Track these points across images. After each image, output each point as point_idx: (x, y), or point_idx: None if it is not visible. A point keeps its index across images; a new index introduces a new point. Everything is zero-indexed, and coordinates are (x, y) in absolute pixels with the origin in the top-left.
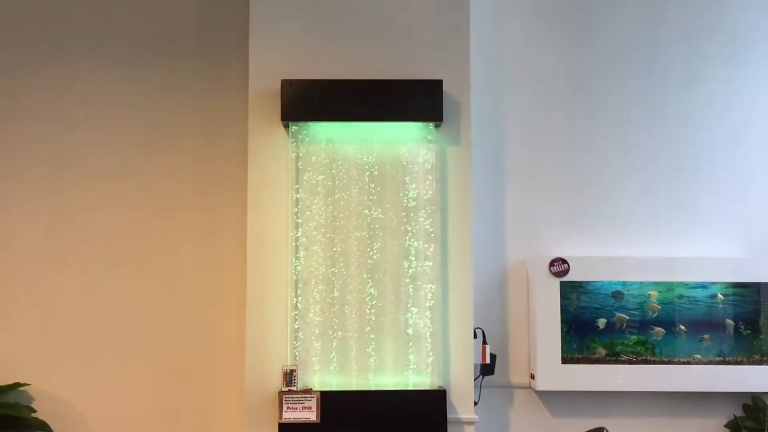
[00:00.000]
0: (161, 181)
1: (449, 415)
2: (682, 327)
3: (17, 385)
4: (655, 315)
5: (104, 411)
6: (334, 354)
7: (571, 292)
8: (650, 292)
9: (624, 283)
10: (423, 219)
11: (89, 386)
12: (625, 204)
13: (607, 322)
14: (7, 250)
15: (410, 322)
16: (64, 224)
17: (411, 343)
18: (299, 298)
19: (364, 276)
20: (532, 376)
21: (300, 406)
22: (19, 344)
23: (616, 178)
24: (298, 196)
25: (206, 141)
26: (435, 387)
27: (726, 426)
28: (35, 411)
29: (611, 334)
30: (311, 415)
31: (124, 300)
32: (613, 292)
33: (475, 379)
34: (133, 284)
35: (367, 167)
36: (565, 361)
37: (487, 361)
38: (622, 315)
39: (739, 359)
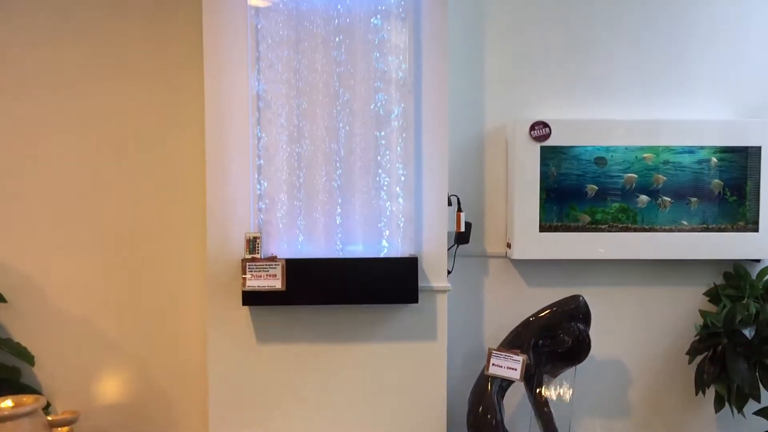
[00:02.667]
0: (112, 40)
1: (421, 284)
2: (666, 198)
3: None
4: (660, 186)
5: (62, 282)
6: (300, 221)
7: (552, 157)
8: (645, 155)
9: (607, 149)
10: (395, 76)
11: (45, 258)
12: (612, 64)
13: (597, 189)
14: None
15: (381, 189)
16: (9, 89)
17: (382, 210)
18: (262, 161)
19: (332, 139)
20: (509, 245)
21: (264, 273)
22: None
23: (603, 37)
24: (258, 53)
25: None
26: (406, 255)
27: (705, 294)
28: None
29: (592, 201)
30: (276, 283)
31: (78, 169)
32: (595, 158)
33: (449, 248)
34: (87, 151)
35: (333, 16)
36: (543, 229)
37: (462, 229)
38: (630, 175)
39: (723, 226)
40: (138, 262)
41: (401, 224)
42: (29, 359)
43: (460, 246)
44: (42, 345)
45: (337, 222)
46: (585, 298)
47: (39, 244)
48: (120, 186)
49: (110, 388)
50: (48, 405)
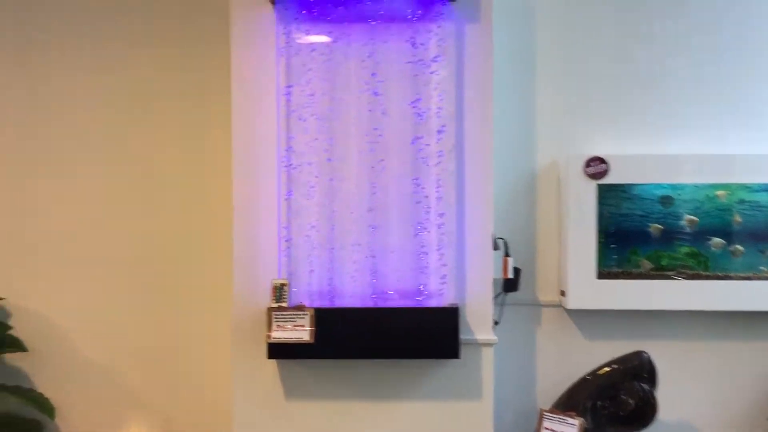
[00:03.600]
0: (141, 73)
1: (464, 336)
2: (739, 247)
3: None
4: (735, 227)
5: (87, 329)
6: (331, 266)
7: (610, 196)
8: (717, 193)
9: (674, 187)
10: (434, 113)
11: (68, 300)
12: (677, 94)
13: (663, 231)
14: None
15: (420, 232)
16: (34, 126)
17: (420, 255)
18: (292, 204)
19: (366, 179)
20: (563, 293)
21: (291, 324)
22: None
23: (667, 64)
24: (288, 87)
25: (189, 26)
26: (447, 305)
27: None
28: (11, 328)
29: (657, 245)
30: (304, 335)
31: (101, 206)
32: (660, 197)
33: (495, 297)
34: (110, 189)
35: (367, 52)
36: (601, 276)
37: (510, 275)
38: (691, 217)
39: None
40: (166, 308)
41: (442, 270)
42: (50, 412)
43: (509, 294)
44: (65, 395)
45: (371, 268)
46: (649, 354)
47: (63, 288)
48: (149, 228)
49: None
50: None
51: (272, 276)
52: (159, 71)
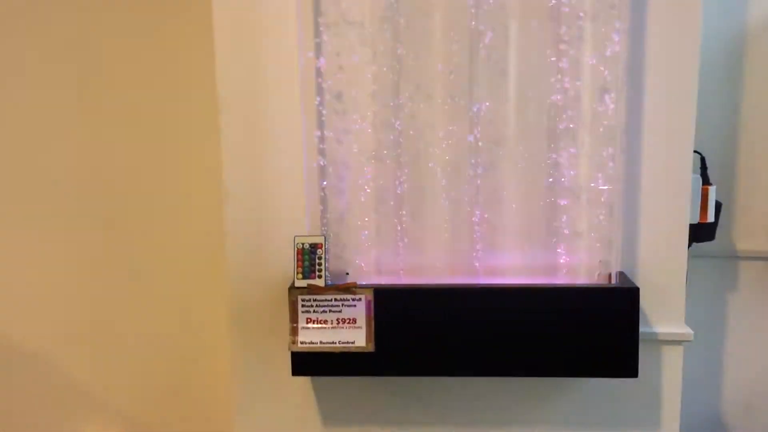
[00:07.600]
0: None
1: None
2: None
3: None
4: None
5: (8, 291)
6: (404, 217)
7: None
8: None
9: None
10: None
11: (21, 245)
12: None
13: None
14: None
15: (555, 143)
16: None
17: (557, 195)
18: (331, 104)
19: (466, 60)
20: None
21: (334, 317)
22: None
23: None
24: None
25: None
26: (606, 275)
27: None
28: None
29: None
30: (357, 336)
31: (38, 103)
32: None
33: None
34: (49, 85)
35: None
36: None
37: (710, 217)
38: None
39: None
40: (135, 269)
41: (600, 219)
42: None
43: (697, 244)
44: None
45: (474, 212)
46: None
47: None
48: (108, 141)
49: None
50: None
51: (295, 232)
52: None
